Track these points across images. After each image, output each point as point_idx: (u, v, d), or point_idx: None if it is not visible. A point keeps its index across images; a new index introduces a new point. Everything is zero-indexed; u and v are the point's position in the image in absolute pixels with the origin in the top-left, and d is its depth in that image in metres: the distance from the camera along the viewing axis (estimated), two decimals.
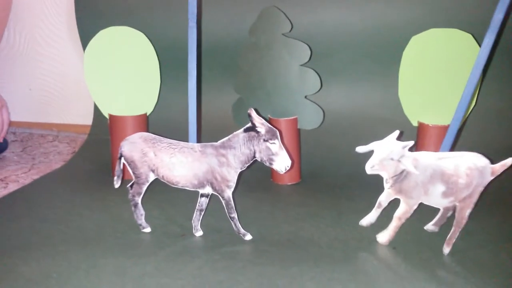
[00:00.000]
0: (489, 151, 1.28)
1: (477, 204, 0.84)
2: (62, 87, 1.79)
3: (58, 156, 1.53)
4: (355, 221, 0.99)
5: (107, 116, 1.26)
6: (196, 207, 0.94)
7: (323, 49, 1.35)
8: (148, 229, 0.96)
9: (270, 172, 1.24)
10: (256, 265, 0.83)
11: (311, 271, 0.81)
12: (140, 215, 0.95)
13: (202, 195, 0.93)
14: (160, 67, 1.26)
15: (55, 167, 1.39)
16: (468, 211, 0.84)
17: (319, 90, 1.17)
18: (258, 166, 1.30)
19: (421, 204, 0.89)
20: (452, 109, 1.08)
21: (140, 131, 1.23)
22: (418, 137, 1.12)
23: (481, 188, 0.83)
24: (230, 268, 0.82)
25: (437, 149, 1.08)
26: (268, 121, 1.21)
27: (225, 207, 0.91)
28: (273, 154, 0.85)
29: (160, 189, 1.17)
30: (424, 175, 0.82)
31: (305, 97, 1.19)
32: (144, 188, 0.92)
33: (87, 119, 1.67)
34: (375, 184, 1.19)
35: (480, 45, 1.04)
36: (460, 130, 1.11)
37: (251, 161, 0.88)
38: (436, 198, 0.83)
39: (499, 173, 0.83)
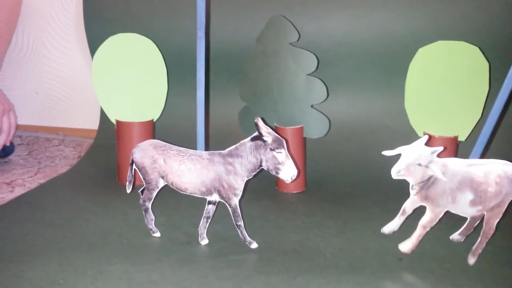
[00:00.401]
0: None
1: (504, 215, 0.83)
2: (68, 92, 1.80)
3: (64, 160, 1.54)
4: (361, 230, 1.00)
5: (114, 122, 1.27)
6: (203, 214, 0.94)
7: (330, 58, 1.35)
8: (158, 234, 0.97)
9: (275, 181, 1.25)
10: (261, 274, 0.83)
11: (317, 282, 0.81)
12: (151, 220, 0.97)
13: (209, 203, 0.93)
14: (168, 73, 1.27)
15: (61, 171, 1.40)
16: (496, 221, 0.82)
17: (325, 100, 1.18)
18: (264, 175, 1.30)
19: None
20: (458, 120, 1.08)
21: (146, 137, 1.24)
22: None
23: (510, 197, 0.80)
24: (236, 276, 0.82)
25: None
26: (274, 129, 1.21)
27: (231, 215, 0.91)
28: (279, 163, 0.85)
29: (167, 196, 1.18)
30: (452, 182, 0.80)
31: (311, 106, 1.19)
32: (154, 193, 0.94)
33: (93, 124, 1.68)
34: (381, 193, 1.20)
35: (486, 58, 1.05)
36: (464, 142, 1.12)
37: (258, 170, 0.88)
38: (464, 207, 0.81)
39: None
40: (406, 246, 0.88)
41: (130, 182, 0.96)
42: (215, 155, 0.89)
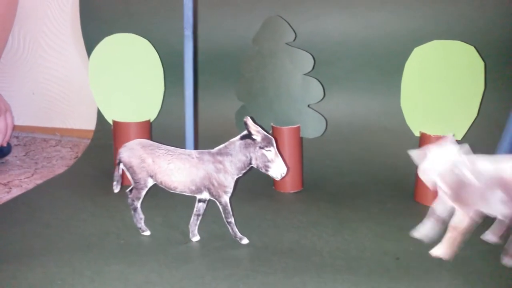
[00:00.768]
0: None
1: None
2: (65, 92, 1.80)
3: (61, 160, 1.54)
4: (357, 230, 1.00)
5: (111, 122, 1.27)
6: (194, 212, 0.95)
7: (326, 58, 1.36)
8: (147, 232, 0.98)
9: (272, 180, 1.25)
10: (258, 273, 0.83)
11: (313, 281, 0.81)
12: (140, 218, 0.97)
13: (199, 200, 0.94)
14: (164, 73, 1.27)
15: (58, 172, 1.39)
16: None
17: (322, 99, 1.18)
18: (260, 175, 1.31)
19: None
20: (454, 119, 1.09)
21: (144, 137, 1.24)
22: (420, 147, 1.12)
23: None
24: (233, 276, 0.82)
25: None
26: (271, 129, 1.22)
27: (222, 212, 0.92)
28: (268, 161, 0.87)
29: (163, 196, 1.18)
30: (481, 181, 0.78)
31: (308, 105, 1.19)
32: (143, 193, 0.94)
33: (90, 124, 1.67)
34: (378, 193, 1.20)
35: (482, 57, 1.06)
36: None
37: (248, 168, 0.90)
38: (495, 205, 0.79)
39: None
40: (438, 250, 0.86)
41: (118, 182, 0.96)
42: (204, 154, 0.90)
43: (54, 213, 1.08)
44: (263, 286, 0.79)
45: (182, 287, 0.79)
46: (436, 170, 0.81)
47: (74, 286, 0.79)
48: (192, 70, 1.07)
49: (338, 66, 1.37)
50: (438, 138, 1.09)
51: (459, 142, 1.11)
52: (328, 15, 1.37)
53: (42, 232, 0.98)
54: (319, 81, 1.17)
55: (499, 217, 0.85)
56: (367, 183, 1.26)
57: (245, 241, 0.93)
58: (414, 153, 0.85)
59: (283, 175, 0.88)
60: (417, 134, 1.14)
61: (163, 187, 0.92)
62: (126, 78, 1.25)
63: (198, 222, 0.95)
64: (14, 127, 1.72)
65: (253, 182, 1.28)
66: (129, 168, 0.92)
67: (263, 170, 0.88)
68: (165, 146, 0.93)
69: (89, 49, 1.48)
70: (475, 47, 1.06)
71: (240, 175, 0.91)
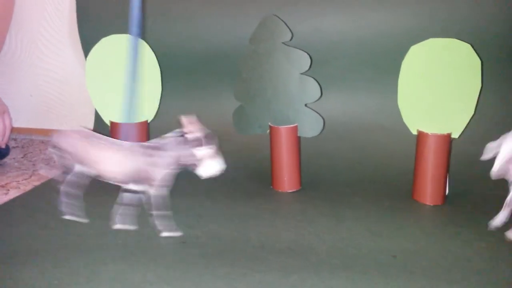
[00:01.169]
0: (487, 160, 1.29)
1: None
2: (63, 94, 1.80)
3: None
4: (354, 228, 1.00)
5: (108, 123, 1.27)
6: (123, 201, 0.98)
7: (323, 57, 1.36)
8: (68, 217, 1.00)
9: (270, 180, 1.25)
10: (256, 272, 0.83)
11: (311, 279, 0.81)
12: (68, 203, 1.00)
13: (131, 191, 0.97)
14: (161, 74, 1.27)
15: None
16: None
17: (319, 99, 1.18)
18: (258, 174, 1.31)
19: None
20: (451, 117, 1.09)
21: (142, 139, 1.24)
22: (418, 146, 1.13)
23: None
24: (230, 275, 0.82)
25: (436, 157, 1.09)
26: (269, 128, 1.22)
27: (153, 206, 0.94)
28: (198, 159, 0.90)
29: None
30: None
31: (305, 105, 1.19)
32: (75, 180, 0.97)
33: (88, 126, 1.67)
34: (375, 191, 1.20)
35: (478, 55, 1.06)
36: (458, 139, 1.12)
37: (180, 164, 0.93)
38: None
39: None
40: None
41: (46, 165, 0.98)
42: (137, 146, 0.93)
43: (51, 214, 1.07)
44: (261, 285, 0.79)
45: (179, 286, 0.79)
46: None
47: (71, 286, 0.79)
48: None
49: (335, 65, 1.37)
50: (435, 136, 1.09)
51: (456, 140, 1.12)
52: (325, 15, 1.37)
53: (39, 233, 0.98)
54: (316, 80, 1.17)
55: None
56: (365, 181, 1.26)
57: (165, 234, 0.95)
58: (490, 146, 0.85)
59: (214, 173, 0.92)
60: (414, 132, 1.14)
61: (97, 177, 0.95)
62: (123, 79, 1.25)
63: (134, 212, 0.98)
64: (12, 129, 1.72)
65: (250, 182, 1.28)
66: (62, 154, 0.95)
67: (191, 168, 0.92)
68: (101, 135, 0.96)
69: (86, 50, 1.48)
70: (471, 45, 1.06)
71: (172, 170, 0.93)
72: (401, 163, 1.27)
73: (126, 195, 0.97)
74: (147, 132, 1.29)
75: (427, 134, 1.10)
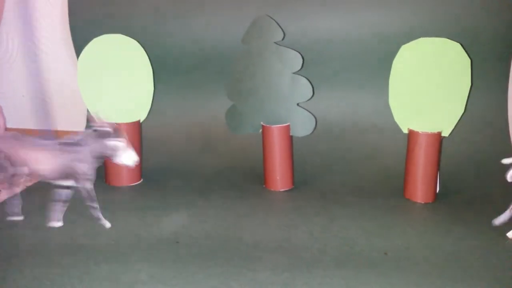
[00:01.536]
0: (477, 158, 1.30)
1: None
2: (55, 94, 1.79)
3: None
4: (347, 227, 1.01)
5: None
6: (57, 198, 1.02)
7: (315, 56, 1.36)
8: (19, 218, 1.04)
9: (263, 179, 1.25)
10: (249, 271, 0.83)
11: (303, 277, 0.81)
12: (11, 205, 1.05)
13: (64, 187, 1.01)
14: (153, 74, 1.27)
15: None
16: None
17: (311, 98, 1.19)
18: (251, 173, 1.32)
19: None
20: (441, 116, 1.10)
21: (134, 138, 1.24)
22: (409, 144, 1.14)
23: None
24: (224, 274, 0.83)
25: (427, 155, 1.10)
26: (261, 127, 1.22)
27: (86, 198, 1.00)
28: (113, 150, 0.97)
29: (153, 195, 1.18)
30: None
31: (297, 104, 1.20)
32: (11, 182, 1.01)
33: (81, 126, 1.67)
34: (367, 190, 1.21)
35: (468, 54, 1.07)
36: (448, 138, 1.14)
37: (98, 157, 0.98)
38: None
39: None
40: None
41: None
42: (57, 144, 0.98)
43: (44, 215, 1.07)
44: (254, 283, 0.80)
45: (173, 286, 0.79)
46: None
47: (63, 286, 0.79)
48: None
49: (327, 65, 1.38)
50: (426, 135, 1.10)
51: (446, 138, 1.13)
52: (316, 15, 1.37)
53: (31, 234, 0.98)
54: (308, 79, 1.18)
55: None
56: (357, 180, 1.27)
57: (108, 225, 1.01)
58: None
59: (131, 163, 0.97)
60: (405, 131, 1.15)
61: (31, 177, 1.02)
62: (115, 79, 1.24)
63: (64, 208, 1.03)
64: (6, 129, 1.71)
65: (243, 181, 1.28)
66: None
67: (113, 159, 0.98)
68: (30, 136, 1.00)
69: (79, 50, 1.48)
70: (461, 44, 1.08)
71: (98, 163, 0.99)
72: (392, 161, 1.29)
73: (59, 192, 1.01)
74: (140, 131, 1.29)
75: (417, 132, 1.11)
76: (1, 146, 0.98)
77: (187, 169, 1.37)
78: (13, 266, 0.85)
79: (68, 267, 0.84)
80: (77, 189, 1.01)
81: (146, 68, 1.26)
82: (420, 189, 1.12)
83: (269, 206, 1.13)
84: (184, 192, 1.20)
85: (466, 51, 1.07)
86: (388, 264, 0.86)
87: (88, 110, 1.02)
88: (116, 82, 1.25)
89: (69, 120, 1.80)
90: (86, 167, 0.98)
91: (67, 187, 1.01)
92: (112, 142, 0.97)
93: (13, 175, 0.99)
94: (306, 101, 1.19)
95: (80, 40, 1.43)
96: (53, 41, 1.73)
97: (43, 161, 0.97)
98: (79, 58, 1.24)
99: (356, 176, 1.29)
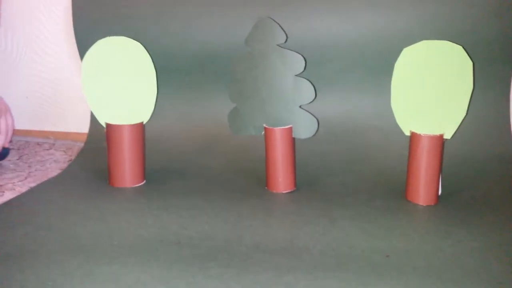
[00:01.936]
0: (480, 161, 1.30)
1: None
2: (59, 96, 1.80)
3: (54, 164, 1.54)
4: (348, 228, 1.01)
5: (103, 125, 1.27)
6: None
7: (317, 59, 1.37)
8: None
9: (265, 181, 1.26)
10: (250, 272, 0.84)
11: (305, 279, 0.81)
12: None
13: None
14: (157, 76, 1.28)
15: (51, 175, 1.40)
16: None
17: (313, 100, 1.19)
18: (253, 175, 1.32)
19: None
20: (443, 118, 1.10)
21: (137, 139, 1.25)
22: (411, 146, 1.14)
23: None
24: (224, 275, 0.83)
25: (429, 158, 1.10)
26: (263, 129, 1.23)
27: None
28: None
29: (156, 197, 1.19)
30: None
31: (300, 106, 1.20)
32: None
33: (84, 127, 1.68)
34: (369, 192, 1.21)
35: (470, 56, 1.07)
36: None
37: None
38: None
39: None
40: None
41: None
42: None
43: (46, 216, 1.08)
44: (254, 285, 0.80)
45: (173, 286, 0.80)
46: None
47: (64, 286, 0.79)
48: None
49: (329, 67, 1.38)
50: (428, 137, 1.10)
51: (448, 140, 1.13)
52: (319, 17, 1.38)
53: (34, 235, 0.98)
54: (310, 82, 1.18)
55: None
56: (359, 182, 1.27)
57: None
58: None
59: None
60: (407, 133, 1.15)
61: None
62: (119, 81, 1.25)
63: None
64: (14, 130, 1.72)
65: (245, 182, 1.28)
66: None
67: None
68: None
69: (82, 52, 1.49)
70: (463, 47, 1.08)
71: None
72: (394, 163, 1.29)
73: None
74: (143, 133, 1.29)
75: (419, 135, 1.11)
76: None
77: (190, 171, 1.37)
78: (15, 266, 0.85)
79: (69, 268, 0.85)
80: None
81: (149, 70, 1.27)
82: (422, 191, 1.12)
83: (270, 208, 1.13)
84: (186, 193, 1.21)
85: (468, 54, 1.07)
86: (389, 266, 0.85)
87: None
88: (120, 84, 1.25)
89: (72, 122, 1.81)
90: None
91: None
92: None
93: None
94: (309, 103, 1.19)
95: (84, 42, 1.44)
96: (57, 43, 1.75)
97: None
98: (83, 60, 1.25)
99: (356, 177, 1.29)
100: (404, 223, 1.03)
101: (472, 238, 0.96)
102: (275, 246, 0.93)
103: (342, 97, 1.40)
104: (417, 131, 1.12)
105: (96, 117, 1.28)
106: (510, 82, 1.30)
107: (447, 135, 1.11)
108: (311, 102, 1.20)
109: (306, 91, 1.19)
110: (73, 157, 1.57)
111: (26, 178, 1.39)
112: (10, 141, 1.52)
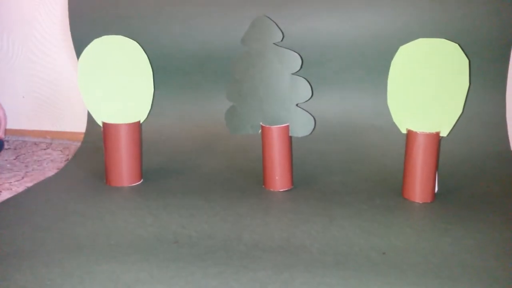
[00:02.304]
0: (476, 158, 1.31)
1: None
2: (55, 95, 1.79)
3: (51, 163, 1.54)
4: (346, 227, 1.01)
5: (100, 124, 1.27)
6: None
7: (314, 57, 1.37)
8: None
9: (262, 179, 1.26)
10: (248, 270, 0.84)
11: (302, 276, 0.82)
12: None
13: None
14: (153, 75, 1.28)
15: (48, 175, 1.39)
16: None
17: (310, 98, 1.19)
18: (250, 174, 1.32)
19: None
20: (439, 116, 1.11)
21: (133, 138, 1.25)
22: (407, 144, 1.14)
23: None
24: (223, 273, 0.83)
25: (425, 155, 1.10)
26: (260, 128, 1.23)
27: None
28: None
29: (154, 196, 1.19)
30: None
31: (297, 105, 1.21)
32: None
33: (81, 127, 1.67)
34: (367, 190, 1.22)
35: (466, 54, 1.08)
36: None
37: None
38: None
39: None
40: None
41: None
42: None
43: (44, 215, 1.08)
44: (253, 282, 0.80)
45: (172, 285, 0.80)
46: None
47: (63, 286, 0.79)
48: None
49: (326, 66, 1.39)
50: (424, 135, 1.10)
51: (444, 138, 1.14)
52: (316, 15, 1.38)
53: (31, 234, 0.98)
54: (307, 80, 1.18)
55: None
56: (356, 180, 1.28)
57: None
58: None
59: None
60: (404, 131, 1.16)
61: None
62: (115, 80, 1.25)
63: None
64: (6, 131, 1.72)
65: (243, 181, 1.29)
66: None
67: None
68: None
69: (78, 51, 1.48)
70: (459, 44, 1.08)
71: None
72: (391, 162, 1.29)
73: None
74: (140, 132, 1.29)
75: (416, 133, 1.11)
76: None
77: (187, 170, 1.37)
78: (13, 266, 0.85)
79: (68, 267, 0.85)
80: None
81: (146, 69, 1.27)
82: (418, 189, 1.12)
83: (268, 206, 1.13)
84: (184, 192, 1.21)
85: (464, 52, 1.08)
86: (387, 264, 0.86)
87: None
88: (117, 83, 1.25)
89: (69, 121, 1.81)
90: None
91: None
92: None
93: None
94: (305, 101, 1.20)
95: (80, 41, 1.44)
96: (53, 43, 1.74)
97: None
98: (80, 59, 1.25)
99: (354, 176, 1.30)
100: (401, 220, 1.03)
101: (469, 235, 0.96)
102: (273, 244, 0.94)
103: (341, 96, 1.40)
104: (414, 129, 1.12)
105: (93, 116, 1.28)
106: (506, 79, 1.31)
107: (444, 133, 1.12)
108: (307, 100, 1.20)
109: (303, 89, 1.19)
110: (70, 157, 1.57)
111: (23, 177, 1.39)
112: (4, 142, 1.52)
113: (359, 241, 0.95)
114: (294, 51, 1.17)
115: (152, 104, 1.29)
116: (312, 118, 1.21)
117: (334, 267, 0.85)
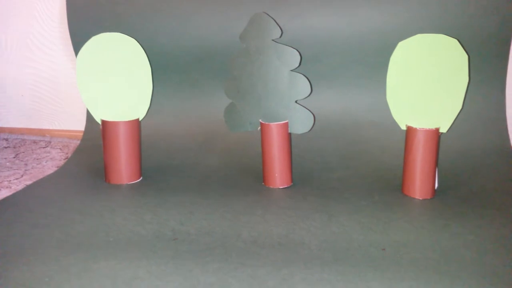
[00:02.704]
0: (475, 154, 1.31)
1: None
2: (54, 93, 1.79)
3: (50, 161, 1.53)
4: (345, 223, 1.01)
5: (99, 122, 1.27)
6: None
7: (313, 54, 1.37)
8: None
9: (261, 176, 1.26)
10: (247, 267, 0.84)
11: (301, 272, 0.82)
12: None
13: None
14: (152, 72, 1.28)
15: (47, 173, 1.39)
16: None
17: (309, 95, 1.19)
18: (250, 171, 1.32)
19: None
20: (439, 112, 1.10)
21: (132, 136, 1.25)
22: (407, 140, 1.14)
23: None
24: (222, 270, 0.83)
25: (425, 151, 1.10)
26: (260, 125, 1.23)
27: None
28: None
29: (153, 193, 1.19)
30: None
31: (296, 101, 1.20)
32: None
33: (80, 125, 1.67)
34: (366, 186, 1.21)
35: (465, 50, 1.07)
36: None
37: None
38: None
39: None
40: None
41: None
42: None
43: (43, 213, 1.07)
44: (252, 279, 0.80)
45: (171, 282, 0.80)
46: None
47: (61, 283, 0.79)
48: None
49: (325, 62, 1.38)
50: (423, 131, 1.10)
51: (444, 134, 1.14)
52: (314, 12, 1.38)
53: (30, 232, 0.98)
54: (306, 77, 1.18)
55: None
56: (355, 177, 1.27)
57: None
58: None
59: None
60: (403, 127, 1.15)
61: None
62: (114, 78, 1.25)
63: None
64: (3, 129, 1.72)
65: (242, 178, 1.28)
66: None
67: None
68: None
69: (77, 49, 1.48)
70: (459, 40, 1.08)
71: None
72: (391, 158, 1.29)
73: None
74: (139, 130, 1.29)
75: (415, 129, 1.11)
76: None
77: (186, 167, 1.37)
78: (11, 263, 0.85)
79: (66, 264, 0.85)
80: None
81: (144, 67, 1.27)
82: (418, 185, 1.12)
83: (267, 203, 1.13)
84: (183, 189, 1.21)
85: (463, 47, 1.07)
86: (386, 260, 0.86)
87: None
88: (115, 81, 1.25)
89: (68, 119, 1.81)
90: None
91: None
92: None
93: None
94: (305, 98, 1.19)
95: (78, 38, 1.44)
96: (51, 40, 1.74)
97: None
98: (78, 56, 1.25)
99: (354, 172, 1.30)
100: (401, 217, 1.03)
101: (468, 231, 0.96)
102: (272, 241, 0.93)
103: (339, 92, 1.40)
104: (413, 125, 1.12)
105: (92, 114, 1.28)
106: (506, 75, 1.30)
107: (443, 129, 1.12)
108: (306, 97, 1.20)
109: (302, 86, 1.19)
110: (69, 155, 1.57)
111: (22, 176, 1.39)
112: (4, 140, 1.52)
113: (358, 237, 0.94)
114: (293, 48, 1.17)
115: (151, 102, 1.29)
116: (312, 114, 1.21)
117: (333, 263, 0.84)
